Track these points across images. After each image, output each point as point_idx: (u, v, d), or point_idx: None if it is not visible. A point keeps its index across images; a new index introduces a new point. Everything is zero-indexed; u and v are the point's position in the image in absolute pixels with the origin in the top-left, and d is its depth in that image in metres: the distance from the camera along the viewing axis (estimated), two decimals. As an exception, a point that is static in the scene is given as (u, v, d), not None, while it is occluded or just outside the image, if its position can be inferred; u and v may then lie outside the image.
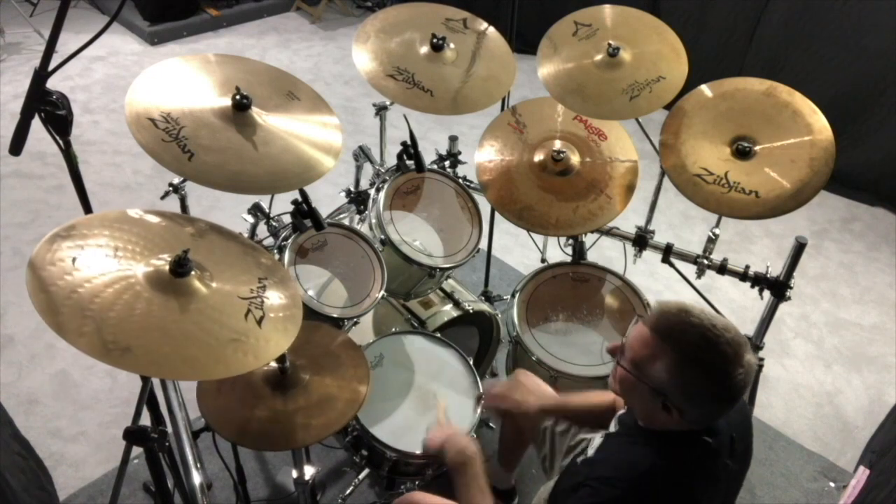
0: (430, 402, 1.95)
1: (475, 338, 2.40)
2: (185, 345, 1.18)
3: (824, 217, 3.68)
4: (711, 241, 2.10)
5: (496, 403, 1.78)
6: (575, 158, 2.13)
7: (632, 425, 1.37)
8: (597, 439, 1.50)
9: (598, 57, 2.05)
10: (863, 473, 1.96)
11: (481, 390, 1.97)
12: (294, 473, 1.65)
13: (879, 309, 3.13)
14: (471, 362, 2.05)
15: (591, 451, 1.46)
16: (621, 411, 1.49)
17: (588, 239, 2.27)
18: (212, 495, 2.20)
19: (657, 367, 1.22)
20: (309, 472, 1.65)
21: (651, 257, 2.23)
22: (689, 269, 2.15)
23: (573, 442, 1.73)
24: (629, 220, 2.23)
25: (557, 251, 2.49)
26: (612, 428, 1.48)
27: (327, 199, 2.64)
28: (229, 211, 3.35)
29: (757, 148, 1.92)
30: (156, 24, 4.90)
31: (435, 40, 2.01)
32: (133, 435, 1.30)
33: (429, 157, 2.19)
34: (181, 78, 1.54)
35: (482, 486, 1.48)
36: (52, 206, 3.36)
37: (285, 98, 1.66)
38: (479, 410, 1.93)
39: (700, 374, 1.20)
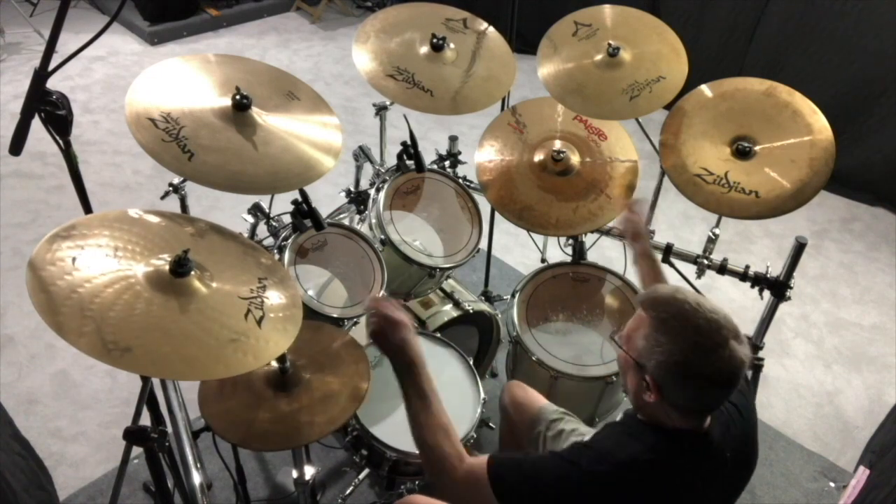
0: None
1: (475, 338, 2.40)
2: (185, 345, 1.18)
3: (824, 217, 3.68)
4: (711, 241, 2.10)
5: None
6: (575, 158, 2.13)
7: (631, 417, 1.37)
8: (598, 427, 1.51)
9: (598, 57, 2.05)
10: (863, 473, 1.96)
11: (482, 393, 1.97)
12: (294, 473, 1.65)
13: (879, 309, 3.13)
14: (471, 362, 2.05)
15: (587, 437, 1.46)
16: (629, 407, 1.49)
17: (588, 239, 2.27)
18: (212, 495, 2.20)
19: (638, 336, 1.23)
20: (309, 472, 1.65)
21: (651, 257, 2.23)
22: (689, 269, 2.15)
23: (566, 444, 1.73)
24: (629, 220, 2.22)
25: (557, 251, 2.49)
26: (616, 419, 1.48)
27: (327, 199, 2.64)
28: (229, 211, 3.35)
29: (757, 148, 1.92)
30: (156, 24, 4.90)
31: (435, 40, 2.01)
32: (133, 435, 1.30)
33: (429, 157, 2.19)
34: (181, 78, 1.54)
35: (424, 391, 1.30)
36: (52, 206, 3.36)
37: (285, 98, 1.66)
38: (479, 410, 1.93)
39: (675, 345, 1.18)
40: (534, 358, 2.06)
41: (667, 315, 1.20)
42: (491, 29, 2.16)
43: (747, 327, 2.31)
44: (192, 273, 1.26)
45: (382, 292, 1.89)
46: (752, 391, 2.22)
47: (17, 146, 1.23)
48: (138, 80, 1.48)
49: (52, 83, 1.20)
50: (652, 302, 1.24)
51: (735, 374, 1.18)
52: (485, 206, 2.19)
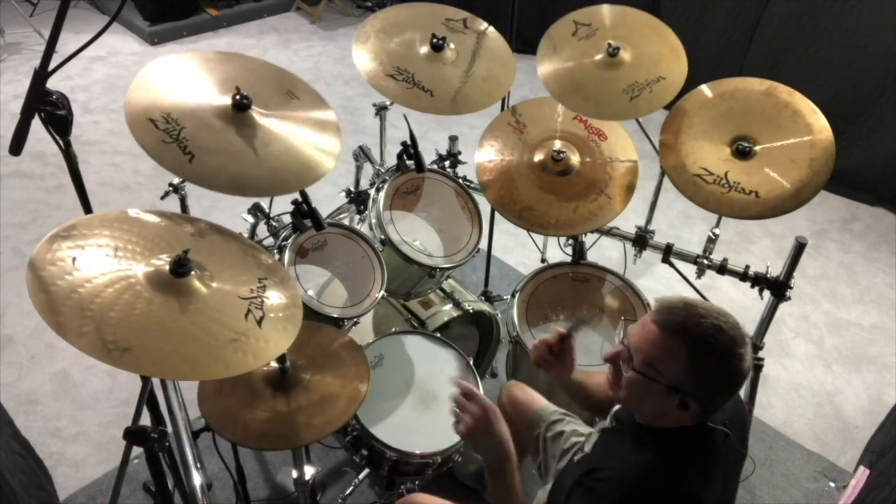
0: (430, 402, 1.95)
1: (475, 338, 2.40)
2: (185, 345, 1.18)
3: (824, 217, 3.68)
4: (711, 241, 2.10)
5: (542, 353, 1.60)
6: (575, 158, 2.13)
7: (630, 423, 1.36)
8: (593, 436, 1.50)
9: (598, 57, 2.05)
10: (863, 473, 1.96)
11: (481, 391, 1.96)
12: (294, 473, 1.65)
13: (879, 309, 3.13)
14: (471, 362, 2.05)
15: (588, 448, 1.45)
16: (616, 407, 1.48)
17: (588, 239, 2.27)
18: (212, 495, 2.20)
19: (674, 366, 1.22)
20: (309, 472, 1.65)
21: (651, 257, 2.23)
22: (689, 269, 2.15)
23: (566, 445, 1.73)
24: (629, 220, 2.22)
25: (557, 251, 2.49)
26: (608, 423, 1.47)
27: (327, 199, 2.64)
28: (229, 211, 3.35)
29: (757, 148, 1.92)
30: (156, 24, 4.90)
31: (435, 40, 2.01)
32: (133, 435, 1.30)
33: (429, 157, 2.19)
34: (181, 77, 1.54)
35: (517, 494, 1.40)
36: (52, 206, 3.36)
37: (285, 97, 1.66)
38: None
39: (716, 364, 1.21)
40: (534, 358, 2.06)
41: (704, 340, 1.21)
42: (491, 29, 2.16)
43: (747, 327, 2.29)
44: (192, 273, 1.26)
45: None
46: (753, 391, 2.22)
47: (17, 146, 1.23)
48: (137, 79, 1.47)
49: (52, 83, 1.20)
50: (679, 326, 1.22)
51: (751, 364, 1.25)
52: (485, 206, 2.19)
